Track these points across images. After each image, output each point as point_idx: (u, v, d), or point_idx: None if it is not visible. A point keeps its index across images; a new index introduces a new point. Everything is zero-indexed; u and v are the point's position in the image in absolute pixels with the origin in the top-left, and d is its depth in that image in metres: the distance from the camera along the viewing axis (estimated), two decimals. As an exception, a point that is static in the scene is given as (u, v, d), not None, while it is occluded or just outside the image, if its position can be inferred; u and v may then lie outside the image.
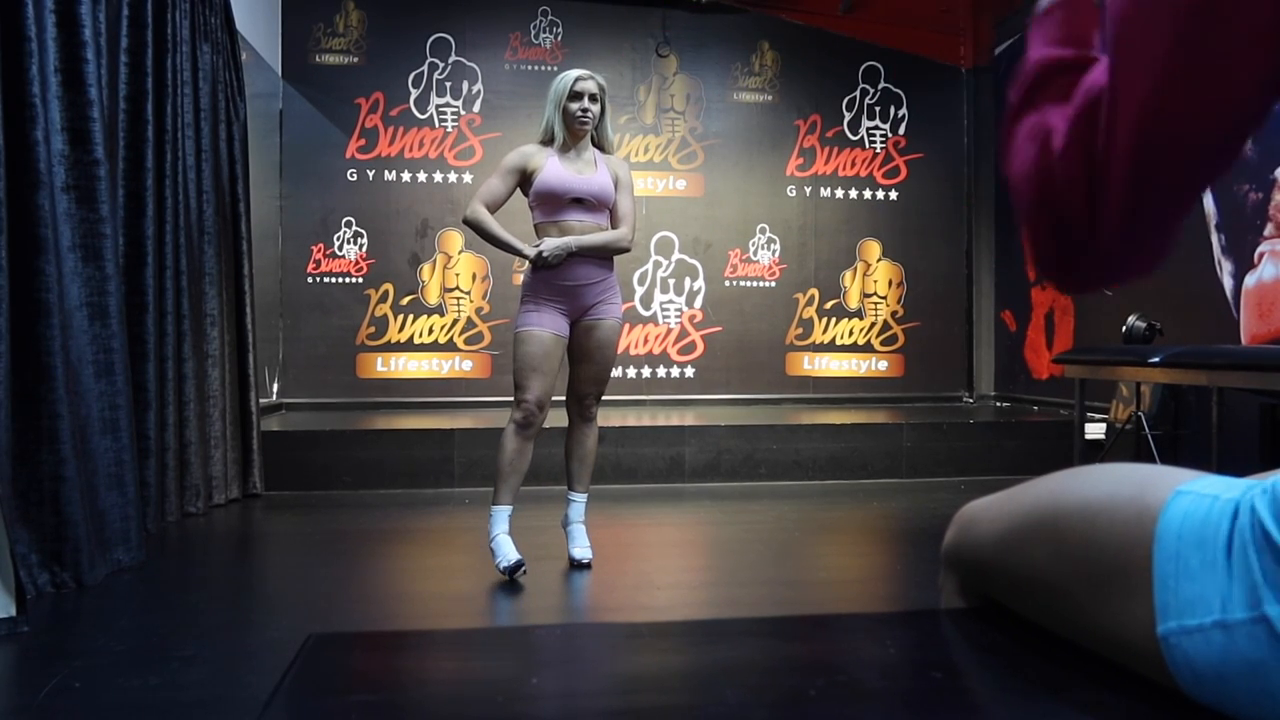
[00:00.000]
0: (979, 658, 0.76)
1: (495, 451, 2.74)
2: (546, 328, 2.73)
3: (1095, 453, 4.20)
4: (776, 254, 6.04)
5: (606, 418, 4.41)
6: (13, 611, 2.17)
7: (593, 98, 2.77)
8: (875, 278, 6.16)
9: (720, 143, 6.00)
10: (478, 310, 5.69)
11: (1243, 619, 0.58)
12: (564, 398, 2.90)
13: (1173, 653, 0.61)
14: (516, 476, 2.73)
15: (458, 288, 5.67)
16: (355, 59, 5.61)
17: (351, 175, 5.60)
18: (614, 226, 2.82)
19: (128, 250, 3.15)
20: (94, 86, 2.70)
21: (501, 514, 2.74)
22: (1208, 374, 2.87)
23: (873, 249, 6.16)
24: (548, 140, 2.81)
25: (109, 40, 3.01)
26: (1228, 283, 4.05)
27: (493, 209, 2.79)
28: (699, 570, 3.06)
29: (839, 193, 6.14)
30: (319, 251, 5.55)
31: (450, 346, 5.67)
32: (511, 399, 2.74)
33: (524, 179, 2.81)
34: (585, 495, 2.92)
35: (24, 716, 1.73)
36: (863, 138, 6.17)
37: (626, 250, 2.83)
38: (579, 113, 2.75)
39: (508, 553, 2.68)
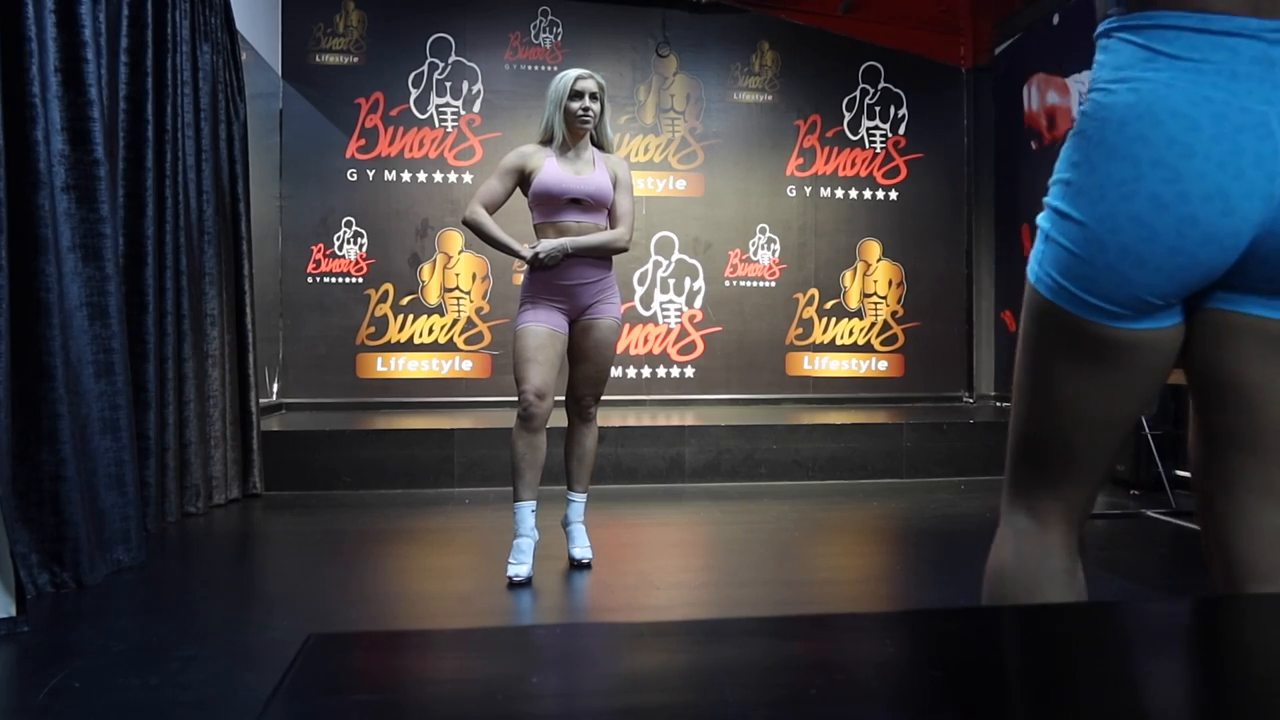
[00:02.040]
0: (979, 658, 0.76)
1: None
2: (543, 323, 2.73)
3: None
4: (776, 254, 6.04)
5: (606, 418, 4.41)
6: (13, 611, 2.17)
7: (593, 96, 2.77)
8: (875, 278, 6.17)
9: (720, 143, 6.00)
10: (478, 310, 5.69)
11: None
12: (563, 398, 2.90)
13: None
14: (532, 471, 2.72)
15: (458, 288, 5.68)
16: (355, 59, 5.61)
17: (351, 175, 5.60)
18: (612, 226, 2.82)
19: (128, 250, 3.15)
20: (94, 86, 2.70)
21: (524, 510, 2.72)
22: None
23: (873, 249, 6.16)
24: (547, 140, 2.81)
25: (109, 40, 3.01)
26: (1228, 283, 4.05)
27: (491, 210, 2.79)
28: (699, 570, 3.06)
29: (839, 193, 6.14)
30: (319, 251, 5.55)
31: (450, 346, 5.67)
32: (513, 399, 2.74)
33: (522, 179, 2.80)
34: (585, 495, 2.92)
35: (24, 716, 1.73)
36: (863, 138, 6.18)
37: (624, 250, 2.83)
38: (580, 112, 2.75)
39: (521, 563, 2.67)
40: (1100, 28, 0.93)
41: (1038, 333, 0.97)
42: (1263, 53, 0.84)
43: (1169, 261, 0.86)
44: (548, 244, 2.71)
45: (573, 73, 2.78)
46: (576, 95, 2.75)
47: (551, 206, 2.76)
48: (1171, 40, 0.86)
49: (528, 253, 2.74)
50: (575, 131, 2.78)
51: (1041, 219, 0.95)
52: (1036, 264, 0.95)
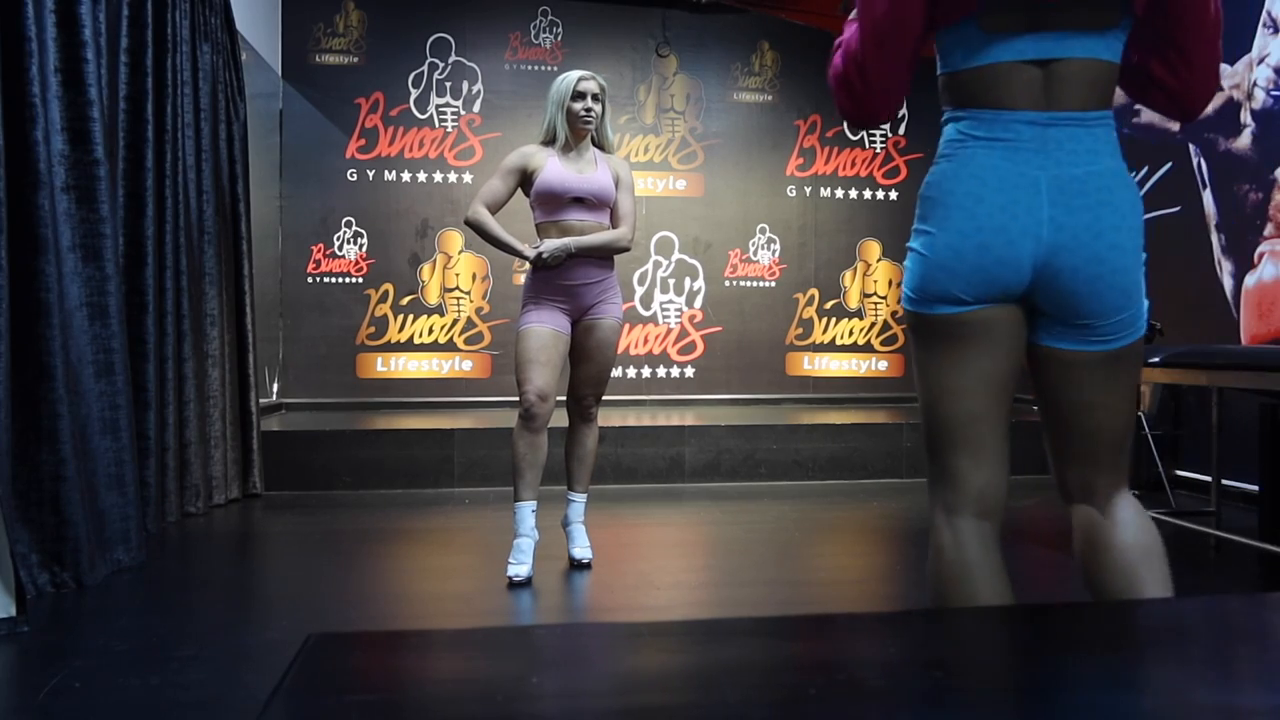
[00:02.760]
0: (979, 658, 0.76)
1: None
2: (546, 323, 2.74)
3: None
4: (776, 254, 6.04)
5: (606, 418, 4.41)
6: (13, 611, 2.17)
7: (595, 98, 2.78)
8: (875, 278, 6.17)
9: (720, 143, 6.00)
10: (478, 310, 5.69)
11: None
12: (564, 398, 2.90)
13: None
14: (532, 471, 2.72)
15: (458, 288, 5.68)
16: (355, 59, 5.61)
17: (351, 175, 5.60)
18: (614, 226, 2.83)
19: (128, 250, 3.15)
20: (94, 86, 2.70)
21: (524, 510, 2.73)
22: (1208, 374, 2.87)
23: (873, 249, 6.16)
24: (549, 140, 2.82)
25: (109, 40, 3.01)
26: (1228, 283, 4.05)
27: (494, 209, 2.80)
28: (699, 570, 3.06)
29: (839, 193, 6.14)
30: (319, 251, 5.55)
31: (450, 346, 5.67)
32: (513, 399, 2.74)
33: (524, 179, 2.81)
34: (585, 495, 2.92)
35: (24, 716, 1.73)
36: (863, 138, 6.17)
37: (626, 250, 2.83)
38: (582, 112, 2.75)
39: (521, 563, 2.68)
40: (943, 118, 1.36)
41: (915, 339, 1.34)
42: (1039, 133, 1.23)
43: (974, 275, 1.25)
44: (551, 244, 2.72)
45: (575, 74, 2.78)
46: (579, 96, 2.76)
47: (555, 205, 2.76)
48: (978, 127, 1.27)
49: (531, 252, 2.74)
50: (577, 132, 2.78)
51: (906, 260, 1.35)
52: (903, 290, 1.34)
